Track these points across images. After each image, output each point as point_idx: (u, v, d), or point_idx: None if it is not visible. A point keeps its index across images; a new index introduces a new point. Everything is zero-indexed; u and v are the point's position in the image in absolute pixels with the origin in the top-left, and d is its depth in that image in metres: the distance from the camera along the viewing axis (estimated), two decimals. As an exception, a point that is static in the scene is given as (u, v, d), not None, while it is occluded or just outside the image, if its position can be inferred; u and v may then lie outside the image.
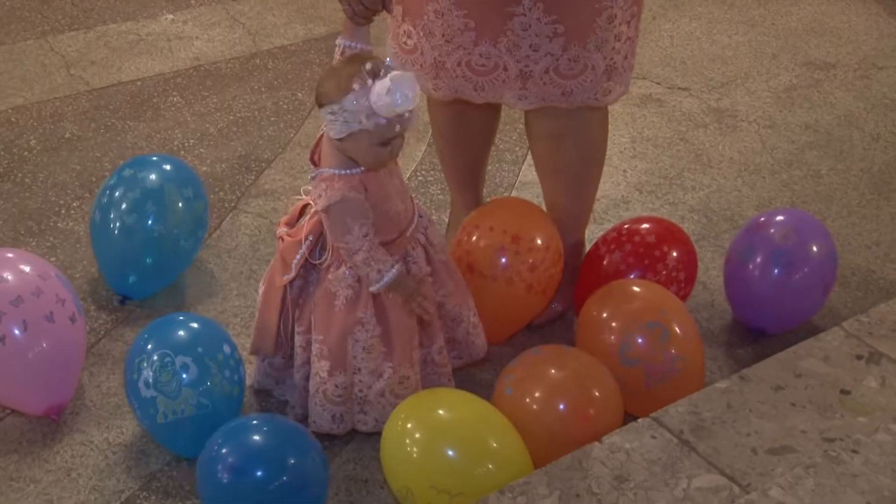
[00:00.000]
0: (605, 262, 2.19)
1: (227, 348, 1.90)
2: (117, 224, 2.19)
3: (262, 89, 3.02)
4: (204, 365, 1.83)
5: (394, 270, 1.77)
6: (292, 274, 1.86)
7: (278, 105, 2.96)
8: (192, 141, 2.81)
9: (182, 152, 2.76)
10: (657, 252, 2.16)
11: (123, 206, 2.19)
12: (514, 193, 2.67)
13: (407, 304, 1.82)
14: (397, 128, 1.68)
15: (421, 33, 1.98)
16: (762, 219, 2.22)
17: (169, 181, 2.23)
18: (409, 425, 1.69)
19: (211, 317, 2.23)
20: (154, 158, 2.29)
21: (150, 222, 2.19)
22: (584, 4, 1.91)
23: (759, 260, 2.15)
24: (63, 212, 2.54)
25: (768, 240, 2.16)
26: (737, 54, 3.26)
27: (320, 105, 1.70)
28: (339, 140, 1.71)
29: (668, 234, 2.20)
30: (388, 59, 1.71)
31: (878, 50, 3.30)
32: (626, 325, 1.95)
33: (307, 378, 1.92)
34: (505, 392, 1.85)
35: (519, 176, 2.75)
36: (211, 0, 3.38)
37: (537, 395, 1.81)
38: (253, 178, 2.69)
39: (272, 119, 2.91)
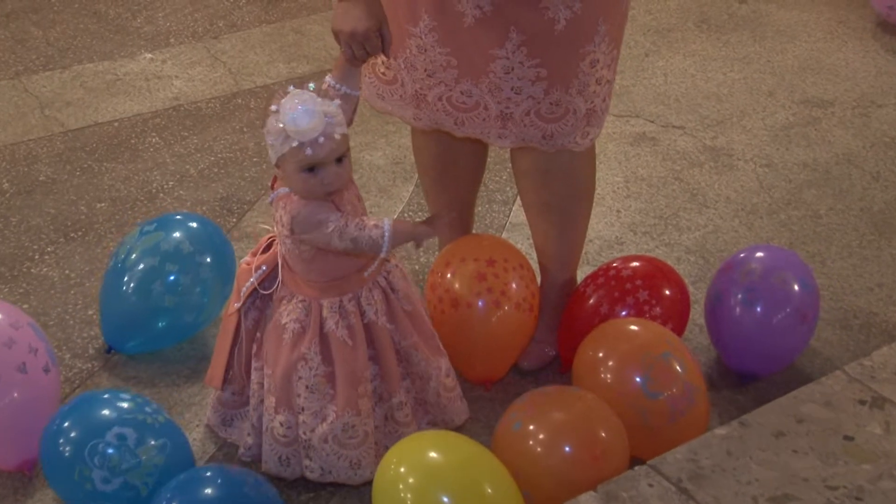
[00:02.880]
0: (590, 302, 2.22)
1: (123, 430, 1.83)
2: (132, 285, 2.20)
3: (244, 129, 3.06)
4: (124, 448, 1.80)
5: (387, 227, 1.77)
6: (241, 301, 1.88)
7: (260, 145, 3.00)
8: (171, 183, 2.84)
9: (161, 195, 2.79)
10: (644, 291, 2.19)
11: (147, 267, 2.20)
12: (504, 234, 2.70)
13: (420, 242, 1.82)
14: (309, 151, 1.71)
15: (402, 65, 2.03)
16: (730, 259, 2.28)
17: (203, 251, 2.24)
18: (401, 469, 1.70)
19: (190, 364, 2.24)
20: (193, 224, 2.29)
21: (171, 294, 2.20)
22: (567, 49, 1.96)
23: (730, 300, 2.19)
24: (37, 257, 2.56)
25: (735, 279, 2.20)
26: (732, 92, 3.32)
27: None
28: (276, 166, 1.77)
29: (658, 273, 2.23)
30: (311, 83, 1.75)
31: (875, 87, 3.36)
32: (642, 359, 1.98)
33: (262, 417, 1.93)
34: (512, 428, 1.86)
35: (510, 217, 2.78)
36: (191, 39, 3.43)
37: (543, 435, 1.82)
38: (235, 220, 2.72)
39: (254, 160, 2.94)
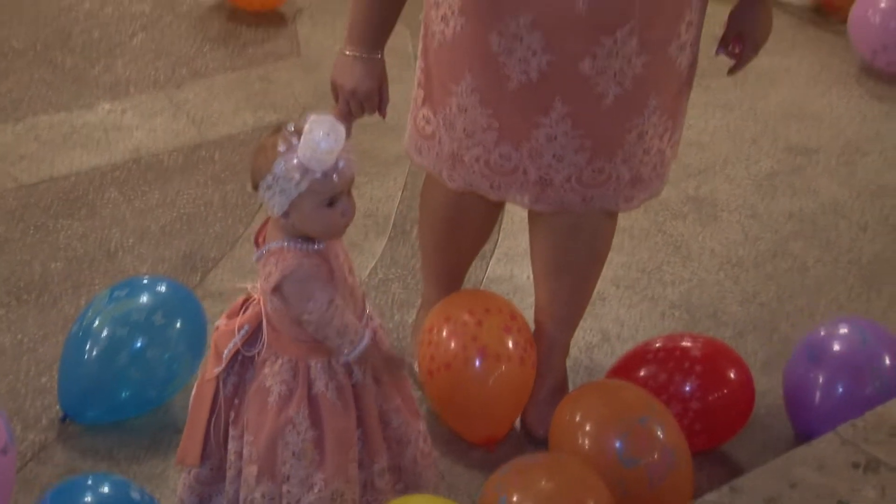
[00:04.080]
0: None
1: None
2: (96, 352, 2.19)
3: (208, 182, 3.06)
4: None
5: (365, 340, 1.77)
6: (222, 366, 1.85)
7: (226, 199, 2.99)
8: (131, 240, 2.82)
9: (121, 252, 2.77)
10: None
11: (114, 335, 2.19)
12: (483, 289, 2.70)
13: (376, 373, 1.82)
14: (335, 178, 1.69)
15: (441, 122, 2.06)
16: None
17: (174, 319, 2.24)
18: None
19: (151, 433, 2.22)
20: (165, 289, 2.29)
21: (137, 365, 2.19)
22: (613, 122, 2.00)
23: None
24: (-12, 320, 2.53)
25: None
26: (714, 139, 3.36)
27: (255, 186, 1.74)
28: (285, 216, 1.73)
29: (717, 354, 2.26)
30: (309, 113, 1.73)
31: (861, 134, 3.41)
32: (619, 423, 1.98)
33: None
34: (498, 501, 1.85)
35: (487, 271, 2.78)
36: (152, 87, 3.43)
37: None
38: (198, 278, 2.70)
39: (219, 214, 2.94)
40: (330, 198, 1.71)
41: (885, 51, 3.55)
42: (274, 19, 3.79)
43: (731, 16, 2.12)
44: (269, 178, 1.70)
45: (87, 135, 3.20)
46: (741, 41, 2.12)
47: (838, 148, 3.34)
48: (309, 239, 1.77)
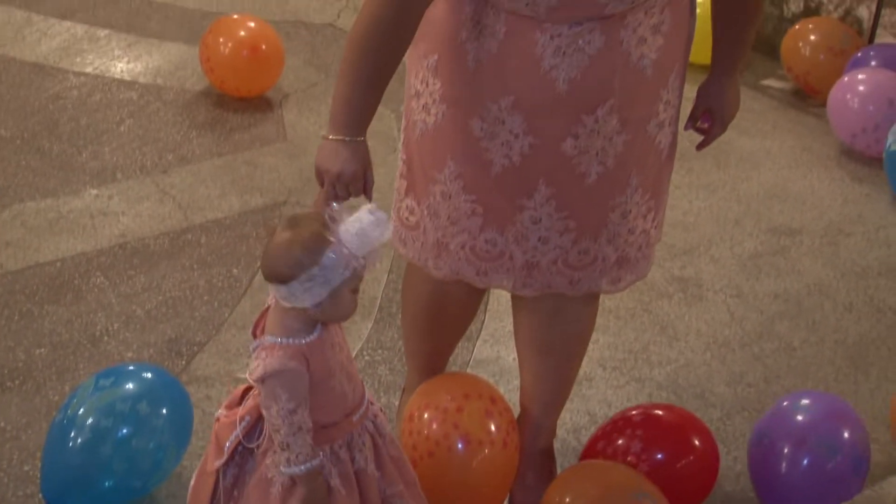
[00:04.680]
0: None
1: None
2: (81, 441, 2.19)
3: (194, 266, 3.08)
4: None
5: (312, 463, 1.78)
6: (224, 458, 1.85)
7: (211, 283, 3.01)
8: (116, 325, 2.83)
9: (106, 338, 2.78)
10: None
11: (99, 424, 2.19)
12: (468, 372, 2.71)
13: None
14: (376, 265, 1.76)
15: (425, 212, 2.08)
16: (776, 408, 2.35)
17: (160, 409, 2.24)
18: None
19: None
20: (148, 375, 2.31)
21: (122, 455, 2.19)
22: (596, 201, 2.03)
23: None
24: (-30, 408, 2.52)
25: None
26: (698, 220, 3.41)
27: (287, 280, 1.74)
28: (316, 306, 1.75)
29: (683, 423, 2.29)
30: (331, 209, 1.77)
31: (843, 216, 3.46)
32: (620, 500, 1.99)
33: None
34: None
35: (473, 353, 2.80)
36: (139, 173, 3.47)
37: None
38: (184, 363, 2.71)
39: (205, 298, 2.95)
40: (359, 282, 1.77)
41: (865, 134, 3.62)
42: (260, 105, 3.84)
43: (700, 91, 2.16)
44: (315, 270, 1.71)
45: (74, 220, 3.23)
46: (710, 117, 2.17)
47: (821, 229, 3.39)
48: (307, 329, 1.79)
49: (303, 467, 1.78)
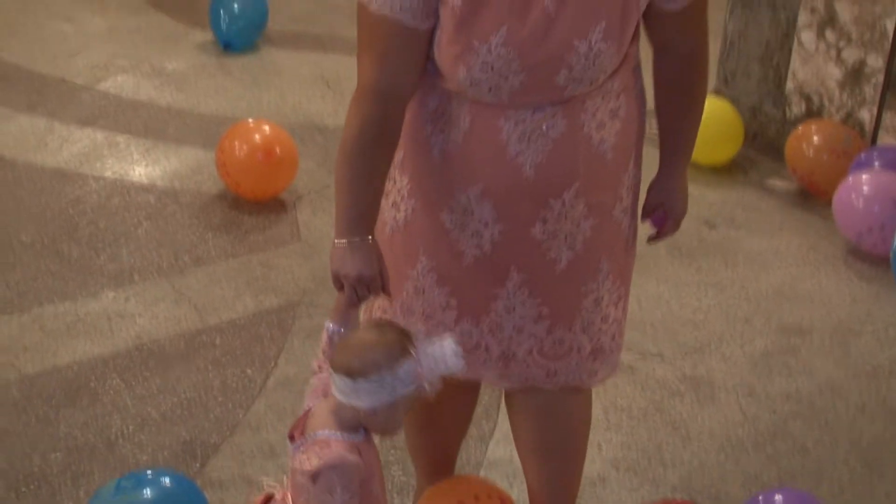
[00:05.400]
0: None
1: None
2: None
3: (209, 367, 3.08)
4: None
5: None
6: None
7: (226, 384, 3.01)
8: (131, 427, 2.83)
9: (121, 440, 2.77)
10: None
11: None
12: (482, 473, 2.69)
13: None
14: (435, 391, 1.82)
15: (398, 310, 2.09)
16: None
17: None
18: None
19: None
20: (166, 481, 2.31)
21: None
22: (569, 288, 2.04)
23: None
24: (-14, 513, 2.51)
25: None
26: (708, 318, 3.41)
27: (358, 376, 1.79)
28: (372, 412, 1.79)
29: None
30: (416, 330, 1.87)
31: (852, 315, 3.46)
32: None
33: None
34: None
35: (486, 453, 2.78)
36: (155, 275, 3.50)
37: None
38: (198, 465, 2.70)
39: (219, 399, 2.95)
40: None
41: (871, 233, 3.63)
42: (275, 206, 3.89)
43: (651, 187, 2.19)
44: (388, 376, 1.78)
45: (91, 323, 3.25)
46: (663, 212, 2.19)
47: (831, 328, 3.39)
48: (356, 429, 1.83)
49: None
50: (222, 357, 3.13)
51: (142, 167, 4.12)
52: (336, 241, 1.93)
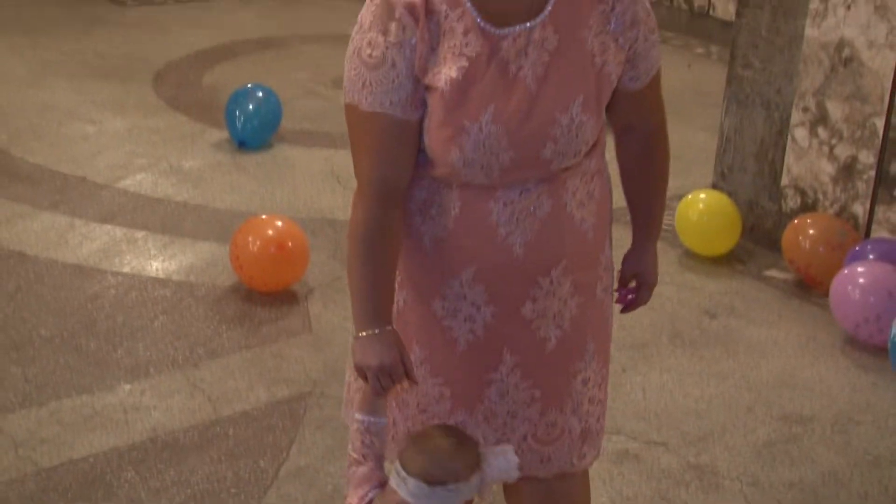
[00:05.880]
0: None
1: None
2: None
3: (222, 458, 3.06)
4: None
5: None
6: None
7: (238, 475, 2.99)
8: (145, 521, 2.80)
9: (135, 534, 2.75)
10: None
11: None
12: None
13: None
14: (485, 496, 1.87)
15: (393, 405, 2.08)
16: None
17: None
18: None
19: None
20: None
21: None
22: (558, 368, 2.05)
23: None
24: None
25: None
26: (710, 407, 3.39)
27: (434, 483, 1.81)
28: None
29: None
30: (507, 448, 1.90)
31: (852, 404, 3.44)
32: None
33: None
34: None
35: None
36: (171, 367, 3.50)
37: None
38: (210, 560, 2.67)
39: (232, 491, 2.93)
40: None
41: (867, 324, 3.63)
42: (287, 298, 3.91)
43: (625, 259, 2.23)
44: (463, 485, 1.82)
45: (108, 416, 3.24)
46: (637, 284, 2.23)
47: (831, 417, 3.36)
48: None
49: None
50: (235, 448, 3.11)
51: (159, 262, 4.15)
52: (356, 335, 1.94)
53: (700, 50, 7.33)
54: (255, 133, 5.22)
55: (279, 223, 3.95)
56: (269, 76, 6.23)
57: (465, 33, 1.86)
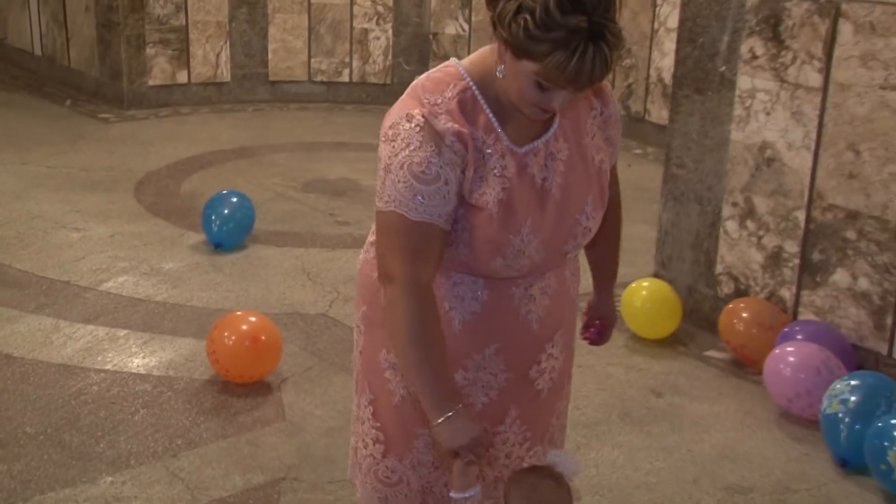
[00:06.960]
0: None
1: None
2: None
3: (200, 546, 3.02)
4: None
5: None
6: None
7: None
8: None
9: None
10: None
11: None
12: None
13: None
14: None
15: (408, 466, 2.12)
16: None
17: None
18: None
19: None
20: None
21: None
22: (545, 410, 2.20)
23: None
24: None
25: None
26: (659, 481, 3.40)
27: None
28: None
29: None
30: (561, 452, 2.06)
31: (788, 474, 3.46)
32: None
33: None
34: None
35: None
36: (151, 458, 3.46)
37: None
38: None
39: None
40: None
41: (799, 398, 3.68)
42: (261, 389, 3.89)
43: (590, 306, 2.40)
44: None
45: (89, 508, 3.19)
46: (602, 325, 2.39)
47: (770, 486, 3.38)
48: None
49: None
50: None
51: (139, 358, 4.13)
52: (435, 423, 1.95)
53: (638, 150, 7.51)
54: (230, 235, 5.26)
55: (253, 318, 3.96)
56: (242, 182, 6.30)
57: (502, 156, 1.97)
